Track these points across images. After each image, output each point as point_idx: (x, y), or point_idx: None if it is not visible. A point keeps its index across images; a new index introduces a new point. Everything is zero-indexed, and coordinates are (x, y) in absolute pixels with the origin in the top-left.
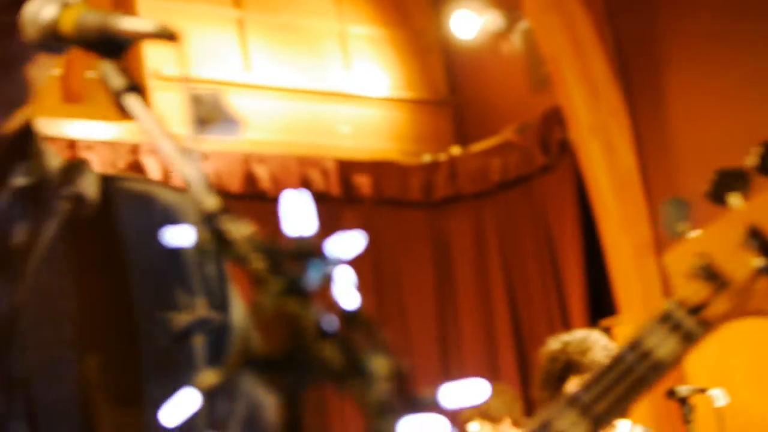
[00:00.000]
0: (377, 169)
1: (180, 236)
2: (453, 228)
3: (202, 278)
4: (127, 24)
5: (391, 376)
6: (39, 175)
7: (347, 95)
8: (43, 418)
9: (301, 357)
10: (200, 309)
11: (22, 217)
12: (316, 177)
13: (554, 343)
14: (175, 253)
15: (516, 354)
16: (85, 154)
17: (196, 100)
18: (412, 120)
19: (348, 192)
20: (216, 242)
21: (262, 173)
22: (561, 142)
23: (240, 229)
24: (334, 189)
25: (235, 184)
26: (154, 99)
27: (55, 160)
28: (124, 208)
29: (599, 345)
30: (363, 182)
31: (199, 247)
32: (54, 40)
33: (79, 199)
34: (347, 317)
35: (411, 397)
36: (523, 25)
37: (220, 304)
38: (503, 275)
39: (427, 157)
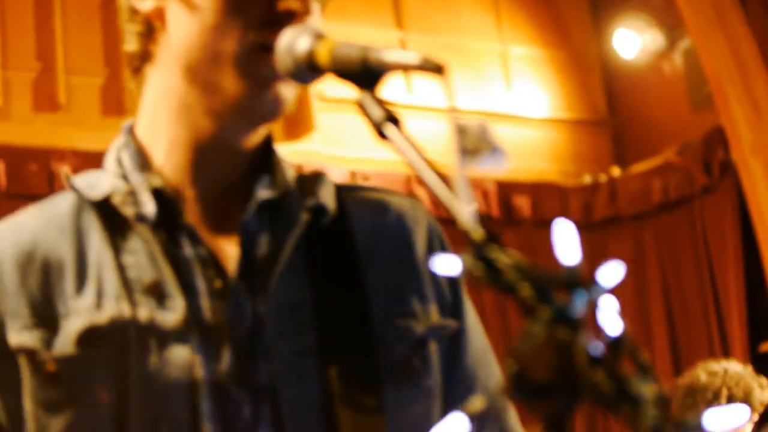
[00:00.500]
0: (537, 190)
1: (448, 264)
2: (612, 250)
3: (434, 284)
4: (390, 57)
5: (658, 401)
6: (282, 187)
7: (508, 116)
8: (288, 424)
9: (571, 383)
10: (434, 316)
11: (265, 228)
12: (476, 198)
13: (705, 370)
14: (408, 260)
15: (674, 377)
16: None
17: (462, 130)
18: (571, 141)
19: (508, 213)
20: (484, 271)
21: (422, 195)
22: (723, 163)
23: (507, 258)
24: (494, 210)
25: None
26: (317, 120)
27: (291, 172)
28: (358, 217)
29: (753, 379)
30: (523, 203)
31: (467, 276)
32: (308, 71)
33: (318, 210)
34: (613, 343)
35: (680, 422)
36: (684, 44)
37: (453, 310)
38: (662, 297)
39: (586, 179)
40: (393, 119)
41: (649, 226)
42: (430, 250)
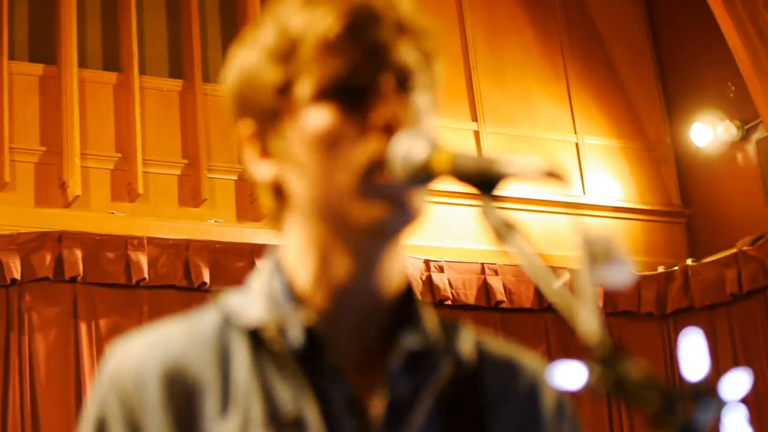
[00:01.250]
0: None
1: (573, 375)
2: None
3: None
4: (512, 167)
5: None
6: (427, 336)
7: (582, 206)
8: None
9: None
10: None
11: (407, 375)
12: None
13: None
14: (535, 422)
15: None
16: None
17: (588, 242)
18: (645, 231)
19: None
20: (610, 382)
21: (496, 284)
22: None
23: (634, 369)
24: None
25: (471, 296)
26: None
27: (433, 318)
28: (491, 373)
29: None
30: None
31: (592, 387)
32: (425, 177)
33: (458, 362)
34: None
35: None
36: (758, 135)
37: None
38: None
39: (660, 269)
40: (515, 229)
41: (723, 316)
42: (558, 415)
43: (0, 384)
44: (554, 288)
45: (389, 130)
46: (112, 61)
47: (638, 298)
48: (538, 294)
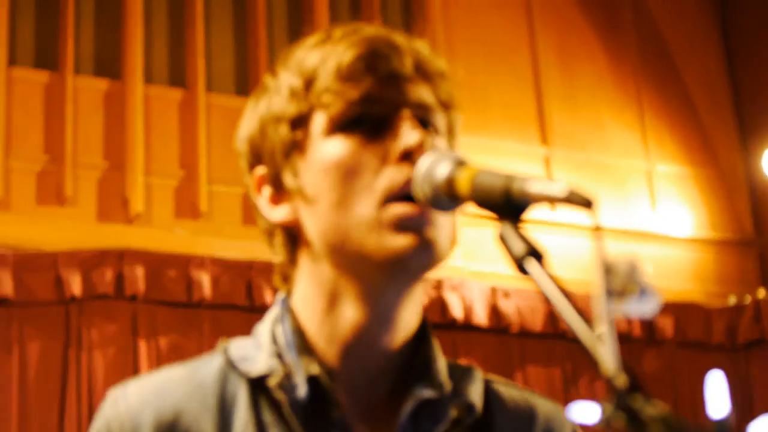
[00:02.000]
0: (680, 310)
1: (587, 413)
2: (756, 373)
3: None
4: (535, 188)
5: None
6: (439, 386)
7: (652, 235)
8: None
9: None
10: None
11: (414, 425)
12: (617, 319)
13: None
14: None
15: None
16: None
17: (610, 268)
18: (716, 261)
19: (650, 333)
20: (626, 421)
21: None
22: None
23: (652, 408)
24: (636, 330)
25: (537, 324)
26: (459, 234)
27: (443, 364)
28: (504, 419)
29: None
30: (665, 324)
31: (607, 426)
32: (448, 199)
33: (467, 409)
34: None
35: None
36: None
37: None
38: None
39: (731, 300)
40: (535, 253)
41: None
42: None
43: (57, 401)
44: (572, 318)
45: (408, 157)
46: (178, 77)
47: (709, 329)
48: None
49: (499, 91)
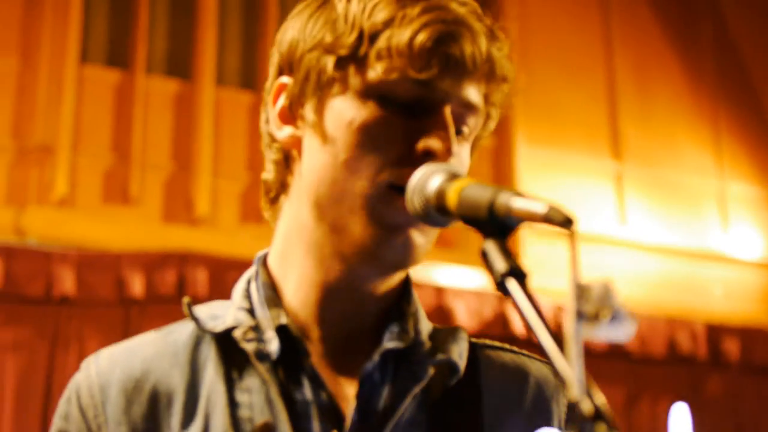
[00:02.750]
0: (747, 335)
1: None
2: None
3: None
4: (518, 204)
5: None
6: (411, 338)
7: (722, 257)
8: None
9: None
10: None
11: (388, 379)
12: (683, 339)
13: None
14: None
15: None
16: (452, 301)
17: (583, 291)
18: None
19: (715, 356)
20: None
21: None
22: None
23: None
24: (701, 352)
25: (597, 342)
26: (527, 250)
27: (426, 323)
28: (492, 380)
29: None
30: (731, 347)
31: None
32: (438, 213)
33: (447, 367)
34: None
35: None
36: None
37: None
38: None
39: None
40: (517, 273)
41: None
42: (568, 422)
43: None
44: (546, 341)
45: (428, 156)
46: (250, 80)
47: None
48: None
49: (573, 106)
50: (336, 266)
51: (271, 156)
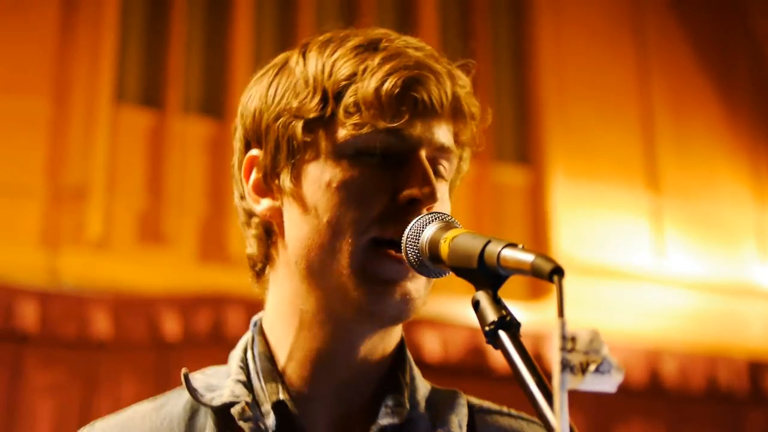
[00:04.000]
0: None
1: None
2: None
3: None
4: (507, 254)
5: None
6: (407, 412)
7: (762, 291)
8: None
9: None
10: None
11: None
12: (723, 375)
13: None
14: None
15: None
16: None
17: (569, 340)
18: None
19: (756, 393)
20: None
21: (668, 368)
22: None
23: None
24: (742, 388)
25: (637, 378)
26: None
27: (423, 387)
28: None
29: None
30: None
31: None
32: (431, 263)
33: None
34: None
35: None
36: None
37: None
38: None
39: None
40: (508, 324)
41: None
42: None
43: None
44: (535, 393)
45: (413, 204)
46: None
47: None
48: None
49: (609, 141)
50: (331, 332)
51: (251, 232)
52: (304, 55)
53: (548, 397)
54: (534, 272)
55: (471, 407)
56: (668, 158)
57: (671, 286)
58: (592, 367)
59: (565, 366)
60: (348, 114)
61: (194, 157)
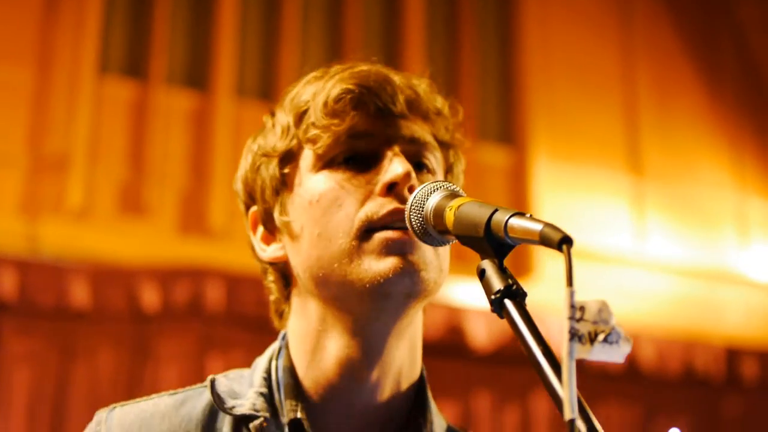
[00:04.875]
0: (766, 356)
1: None
2: None
3: None
4: (514, 223)
5: None
6: None
7: (740, 276)
8: None
9: None
10: None
11: None
12: (700, 360)
13: None
14: None
15: None
16: (468, 321)
17: (580, 310)
18: None
19: (733, 378)
20: None
21: (646, 352)
22: None
23: None
24: (719, 374)
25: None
26: (543, 266)
27: (440, 426)
28: None
29: None
30: (748, 369)
31: None
32: (436, 231)
33: None
34: None
35: None
36: None
37: None
38: None
39: None
40: (515, 293)
41: None
42: None
43: None
44: (542, 362)
45: (392, 190)
46: (268, 91)
47: None
48: (687, 367)
49: (592, 123)
50: (343, 343)
51: (269, 279)
52: (273, 113)
53: (555, 366)
54: (542, 241)
55: None
56: (651, 142)
57: (650, 270)
58: (601, 337)
59: (574, 335)
60: (309, 134)
61: (177, 129)
